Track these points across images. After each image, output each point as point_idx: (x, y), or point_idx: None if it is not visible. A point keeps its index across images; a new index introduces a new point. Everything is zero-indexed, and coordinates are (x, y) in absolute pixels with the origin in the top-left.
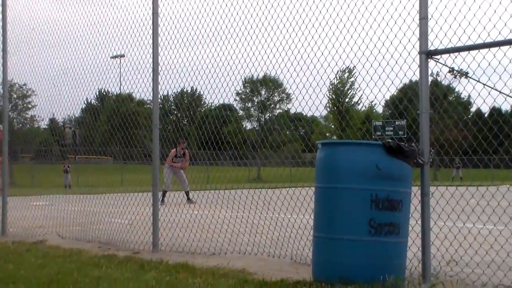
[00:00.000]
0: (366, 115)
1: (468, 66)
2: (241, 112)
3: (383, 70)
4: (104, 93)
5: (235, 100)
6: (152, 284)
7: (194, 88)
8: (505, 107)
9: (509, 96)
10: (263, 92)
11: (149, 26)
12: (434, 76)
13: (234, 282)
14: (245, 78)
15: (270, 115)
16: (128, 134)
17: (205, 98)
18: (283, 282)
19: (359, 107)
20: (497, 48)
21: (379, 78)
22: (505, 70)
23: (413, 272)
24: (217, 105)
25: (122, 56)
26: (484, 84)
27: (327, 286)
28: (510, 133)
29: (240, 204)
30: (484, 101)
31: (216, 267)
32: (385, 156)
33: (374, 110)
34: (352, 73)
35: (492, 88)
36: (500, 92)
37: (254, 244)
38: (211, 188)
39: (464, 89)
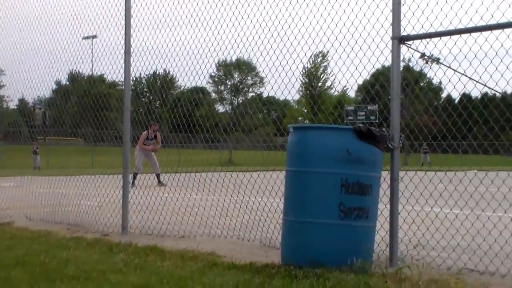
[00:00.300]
0: (339, 99)
1: (440, 52)
2: (214, 95)
3: (356, 55)
4: (76, 74)
5: (208, 83)
6: (120, 267)
7: (167, 70)
8: (474, 93)
9: (479, 82)
10: (236, 75)
11: (121, 7)
12: (406, 61)
13: (203, 264)
14: (218, 61)
15: (243, 98)
16: (99, 116)
17: (178, 81)
18: (252, 265)
19: (332, 91)
20: (468, 34)
21: (352, 62)
22: (475, 56)
23: (381, 256)
24: (189, 88)
25: (95, 37)
26: (454, 70)
27: (296, 269)
28: (479, 119)
29: (211, 187)
30: (454, 87)
31: (185, 250)
32: (356, 140)
33: (347, 95)
34: (326, 58)
35: (462, 74)
36: (470, 78)
37: (224, 227)
38: (182, 171)
39: (435, 75)
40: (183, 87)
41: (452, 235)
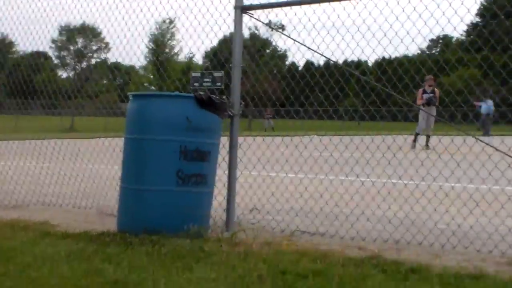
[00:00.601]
0: (186, 66)
1: (281, 22)
2: (56, 61)
3: (199, 23)
4: None
5: (50, 48)
6: None
7: (5, 34)
8: (316, 62)
9: (316, 52)
10: (80, 41)
11: None
12: (253, 29)
13: (35, 234)
14: (61, 26)
15: (87, 64)
16: None
17: (17, 45)
18: (87, 233)
19: (179, 57)
20: (308, 5)
21: (195, 31)
22: (314, 27)
23: (218, 221)
24: (29, 52)
25: None
26: (294, 40)
27: (132, 237)
28: (315, 88)
29: (47, 155)
30: (293, 56)
31: (16, 219)
32: (196, 108)
33: (194, 62)
34: (173, 24)
35: (301, 44)
36: (308, 48)
37: (59, 196)
38: (18, 138)
39: (275, 44)
40: (22, 52)
41: (286, 199)
